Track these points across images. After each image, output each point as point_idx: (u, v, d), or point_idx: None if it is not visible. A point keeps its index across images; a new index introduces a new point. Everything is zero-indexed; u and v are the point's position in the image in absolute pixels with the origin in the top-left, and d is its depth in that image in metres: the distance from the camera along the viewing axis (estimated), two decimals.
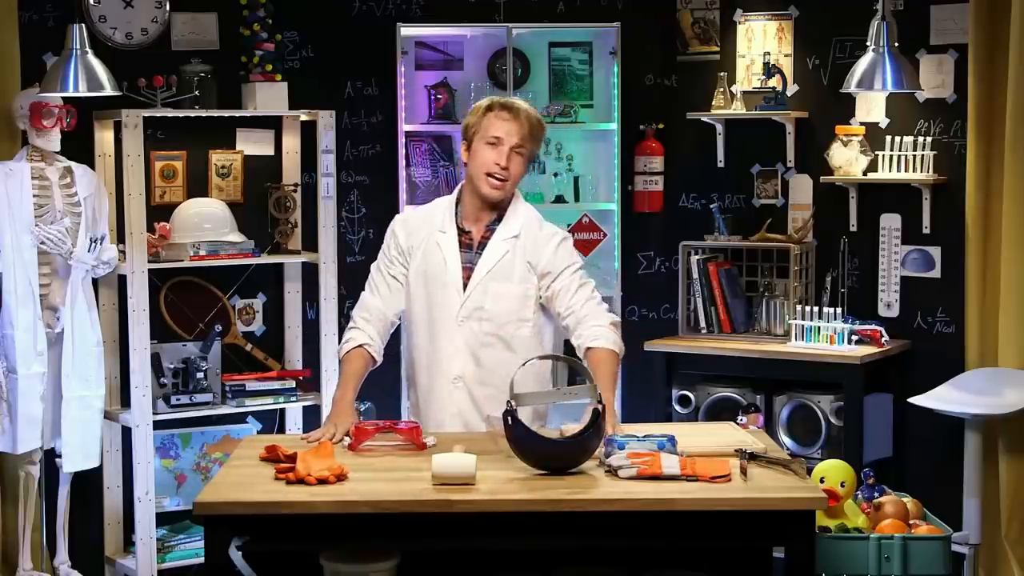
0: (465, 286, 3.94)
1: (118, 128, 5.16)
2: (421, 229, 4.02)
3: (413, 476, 3.40)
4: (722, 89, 5.95)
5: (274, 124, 5.65)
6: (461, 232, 3.99)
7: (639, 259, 6.12)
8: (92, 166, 5.19)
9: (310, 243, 5.55)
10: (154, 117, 5.24)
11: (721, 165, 6.07)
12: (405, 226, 4.05)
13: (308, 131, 5.56)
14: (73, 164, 5.05)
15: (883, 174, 5.64)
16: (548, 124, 5.80)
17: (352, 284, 5.58)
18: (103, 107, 5.17)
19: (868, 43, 4.85)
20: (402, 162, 5.80)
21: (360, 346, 3.94)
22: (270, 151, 5.67)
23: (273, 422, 5.65)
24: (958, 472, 5.24)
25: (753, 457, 3.50)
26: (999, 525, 5.31)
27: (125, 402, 5.27)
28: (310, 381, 5.56)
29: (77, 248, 4.97)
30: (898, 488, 4.62)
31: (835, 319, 5.51)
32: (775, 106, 5.80)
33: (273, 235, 5.60)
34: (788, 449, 5.49)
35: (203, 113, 5.31)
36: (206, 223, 5.36)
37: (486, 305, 3.93)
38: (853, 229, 5.78)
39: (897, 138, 5.60)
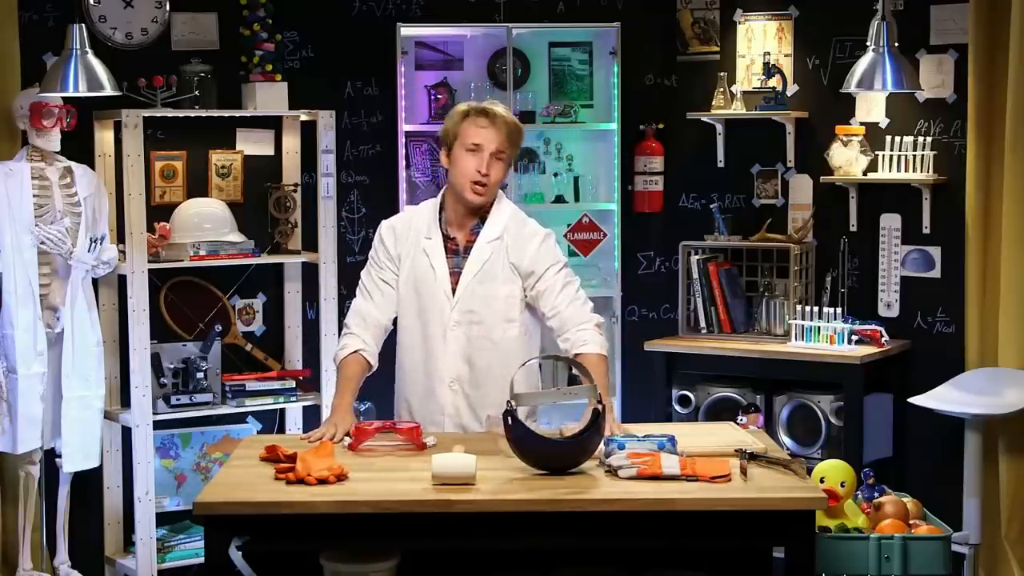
0: (454, 291, 3.95)
1: (118, 128, 5.16)
2: (408, 236, 4.03)
3: (413, 476, 3.40)
4: (722, 89, 5.95)
5: (274, 124, 5.65)
6: (447, 239, 4.00)
7: (639, 259, 6.12)
8: (92, 166, 5.19)
9: (310, 243, 5.55)
10: (154, 117, 5.24)
11: (721, 165, 6.07)
12: (392, 232, 4.06)
13: (308, 131, 5.56)
14: (73, 164, 5.05)
15: (883, 174, 5.64)
16: (548, 124, 5.89)
17: (352, 284, 5.54)
18: (103, 107, 5.17)
19: (868, 43, 4.85)
20: (402, 162, 5.80)
21: (356, 352, 3.95)
22: (270, 151, 5.67)
23: (273, 422, 5.65)
24: (958, 472, 5.24)
25: (753, 457, 3.50)
26: (999, 525, 5.31)
27: (125, 402, 5.27)
28: (310, 381, 5.56)
29: (77, 248, 4.97)
30: (898, 488, 4.62)
31: (835, 319, 5.51)
32: (775, 106, 5.80)
33: (273, 235, 5.60)
34: (788, 449, 5.49)
35: (203, 113, 5.31)
36: (206, 223, 5.36)
37: (475, 308, 3.95)
38: (853, 229, 5.78)
39: (897, 138, 5.59)
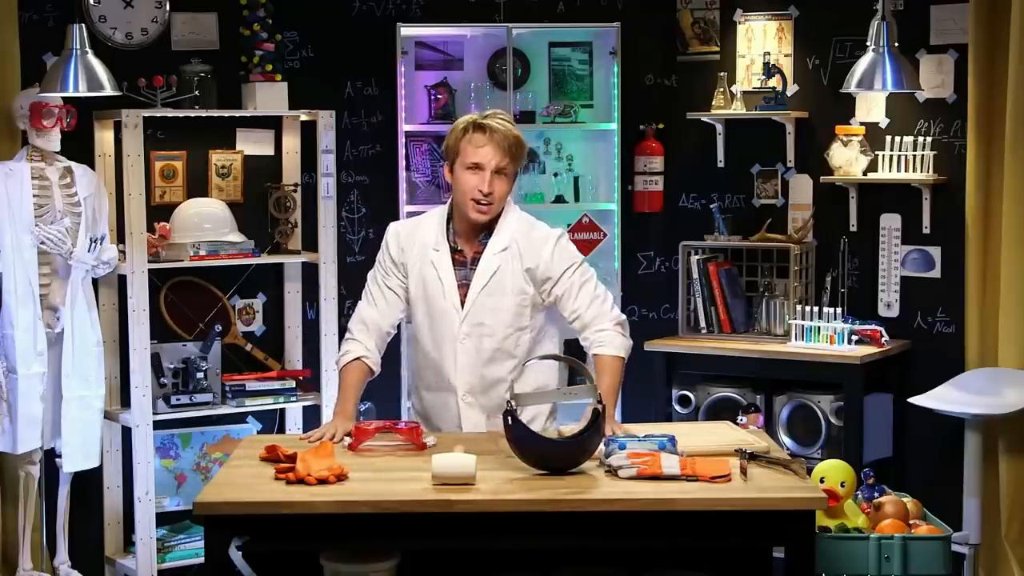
0: (463, 303, 3.94)
1: (118, 128, 5.16)
2: (414, 245, 4.00)
3: (413, 476, 3.40)
4: (722, 89, 5.95)
5: (274, 124, 5.65)
6: (454, 251, 3.98)
7: (639, 259, 6.12)
8: (92, 166, 5.19)
9: (310, 243, 5.55)
10: (154, 117, 5.24)
11: (721, 165, 6.07)
12: (398, 239, 4.03)
13: (308, 131, 5.56)
14: (73, 164, 5.05)
15: (883, 174, 5.64)
16: (548, 124, 5.89)
17: (352, 284, 5.58)
18: (103, 107, 5.17)
19: (868, 43, 4.86)
20: (402, 162, 5.80)
21: (358, 359, 3.95)
22: (270, 151, 5.67)
23: (273, 422, 5.66)
24: (958, 472, 5.24)
25: (753, 457, 3.50)
26: (999, 525, 5.31)
27: (125, 402, 5.27)
28: (310, 381, 5.56)
29: (77, 248, 4.97)
30: (898, 488, 4.62)
31: (835, 319, 5.51)
32: (775, 106, 5.80)
33: (273, 235, 5.60)
34: (788, 449, 5.49)
35: (203, 113, 5.31)
36: (206, 223, 5.36)
37: (486, 320, 3.93)
38: (853, 229, 5.78)
39: (897, 138, 5.59)
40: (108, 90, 4.68)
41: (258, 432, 5.54)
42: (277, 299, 5.72)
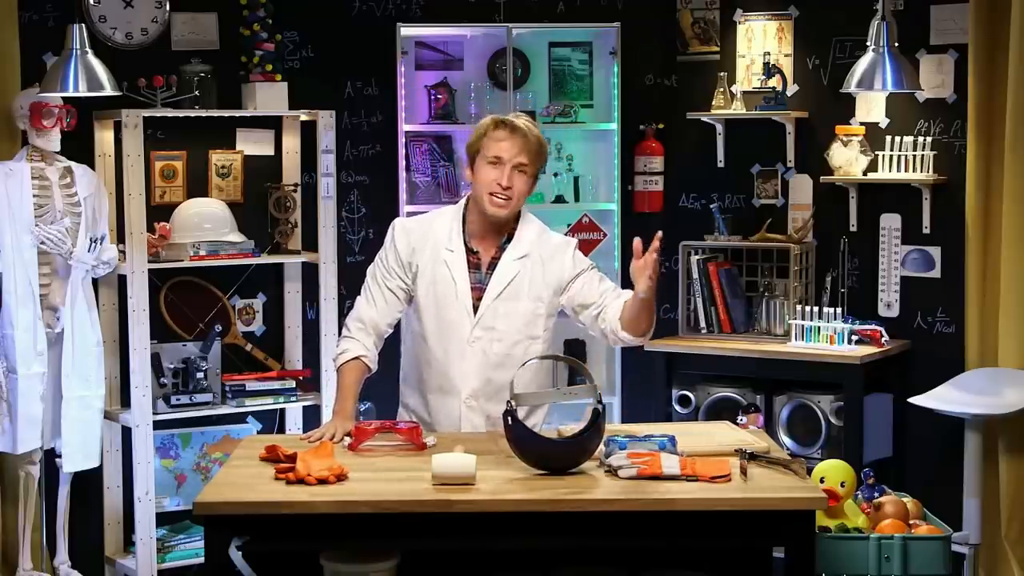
0: (475, 308, 3.92)
1: (118, 128, 5.16)
2: (426, 244, 3.97)
3: (413, 476, 3.40)
4: (722, 89, 5.95)
5: (274, 124, 5.65)
6: (469, 252, 3.95)
7: None
8: (92, 166, 5.19)
9: (310, 243, 5.55)
10: (154, 117, 5.24)
11: (721, 165, 6.07)
12: (407, 237, 3.99)
13: (308, 131, 5.56)
14: (73, 164, 5.05)
15: (883, 174, 5.64)
16: (548, 124, 5.89)
17: (352, 284, 5.56)
18: (103, 107, 5.17)
19: (868, 43, 4.86)
20: (402, 162, 5.80)
21: (356, 358, 3.93)
22: (270, 151, 5.67)
23: (273, 422, 5.66)
24: (958, 472, 5.24)
25: (753, 457, 3.50)
26: (999, 525, 5.31)
27: (125, 402, 5.27)
28: (310, 381, 5.56)
29: (77, 248, 4.98)
30: (898, 488, 4.62)
31: (835, 319, 5.51)
32: (775, 106, 5.80)
33: (273, 235, 5.60)
34: (788, 449, 5.49)
35: (203, 113, 5.31)
36: (206, 223, 5.36)
37: (497, 326, 3.91)
38: (853, 229, 5.78)
39: (897, 138, 5.60)
40: (108, 90, 4.68)
41: (258, 432, 5.54)
42: (277, 299, 5.72)
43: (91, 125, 5.23)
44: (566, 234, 5.87)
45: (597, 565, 3.55)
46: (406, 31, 5.83)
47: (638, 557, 3.57)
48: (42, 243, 4.92)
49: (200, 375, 5.33)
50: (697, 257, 5.84)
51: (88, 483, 5.27)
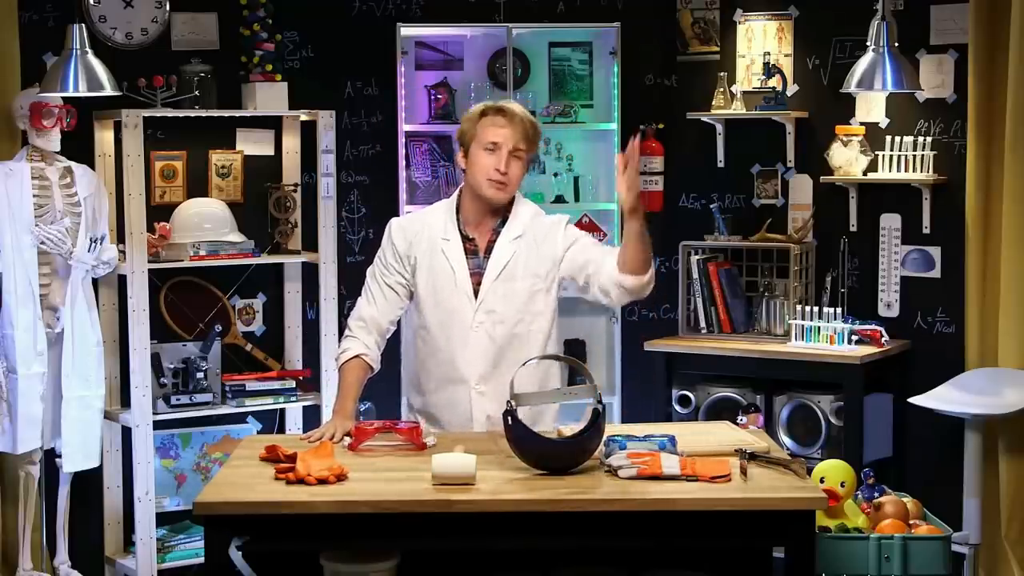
0: (475, 292, 3.93)
1: (118, 128, 5.16)
2: (422, 237, 3.99)
3: (413, 476, 3.40)
4: (722, 89, 5.95)
5: (274, 124, 5.65)
6: (465, 239, 3.97)
7: None
8: (92, 166, 5.19)
9: (310, 243, 5.55)
10: (154, 117, 5.24)
11: (721, 165, 6.07)
12: (403, 233, 4.02)
13: (308, 131, 5.56)
14: (73, 164, 5.05)
15: (883, 174, 5.64)
16: (548, 124, 5.89)
17: (352, 284, 5.57)
18: (103, 107, 5.17)
19: (868, 43, 4.86)
20: (402, 162, 5.80)
21: (357, 356, 3.94)
22: (270, 151, 5.67)
23: (273, 422, 5.66)
24: (958, 472, 5.24)
25: (753, 457, 3.50)
26: (999, 525, 5.31)
27: (125, 402, 5.28)
28: (310, 381, 5.56)
29: (77, 248, 4.98)
30: (898, 488, 4.62)
31: (835, 319, 5.51)
32: (775, 106, 5.80)
33: (273, 235, 5.60)
34: (788, 449, 5.49)
35: (203, 113, 5.32)
36: (206, 223, 5.36)
37: (498, 308, 3.92)
38: (853, 229, 5.78)
39: (897, 138, 5.60)
40: (108, 90, 4.68)
41: (258, 432, 5.54)
42: (277, 299, 5.72)
43: (91, 125, 5.23)
44: None
45: (597, 565, 3.55)
46: (406, 31, 5.83)
47: (638, 557, 3.57)
48: (42, 243, 4.92)
49: (200, 375, 5.33)
50: (697, 257, 5.85)
51: (88, 483, 5.27)
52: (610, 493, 3.28)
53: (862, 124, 5.69)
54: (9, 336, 4.90)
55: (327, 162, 5.47)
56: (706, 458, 3.46)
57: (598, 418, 3.45)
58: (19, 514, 5.05)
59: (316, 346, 5.53)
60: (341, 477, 3.37)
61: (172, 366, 5.33)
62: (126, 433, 5.25)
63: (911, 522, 4.12)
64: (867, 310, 5.72)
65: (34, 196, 4.92)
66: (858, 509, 4.17)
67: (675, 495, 3.26)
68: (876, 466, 5.17)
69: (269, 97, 5.43)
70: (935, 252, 5.62)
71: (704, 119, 5.99)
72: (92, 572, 5.33)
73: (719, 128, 6.03)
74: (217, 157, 5.57)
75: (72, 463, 5.08)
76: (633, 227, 3.81)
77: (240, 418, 5.58)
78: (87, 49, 4.64)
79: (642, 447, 3.47)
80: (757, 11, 5.96)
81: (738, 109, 5.91)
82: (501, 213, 3.98)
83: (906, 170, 5.58)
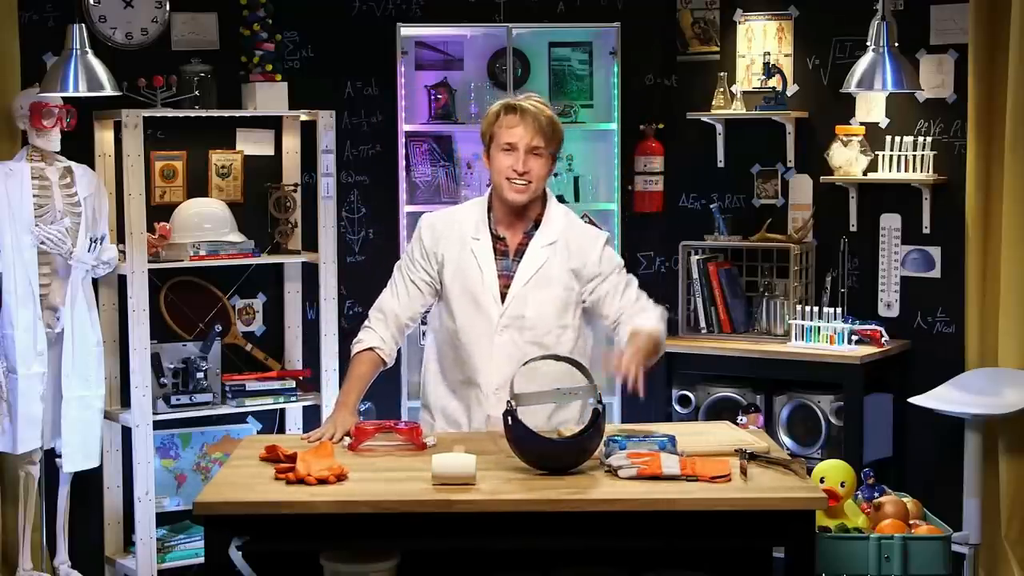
0: (503, 295, 3.88)
1: (118, 128, 5.16)
2: (451, 234, 3.94)
3: (413, 476, 3.40)
4: (722, 89, 5.95)
5: (274, 124, 5.65)
6: (496, 239, 3.92)
7: (639, 259, 6.12)
8: (92, 166, 5.19)
9: (310, 243, 5.55)
10: (154, 117, 5.24)
11: (721, 165, 6.07)
12: (432, 230, 3.96)
13: (308, 131, 5.56)
14: (73, 164, 5.05)
15: (883, 174, 5.64)
16: None
17: (352, 284, 5.59)
18: (103, 107, 5.17)
19: (868, 43, 4.86)
20: (402, 162, 5.80)
21: (371, 349, 3.90)
22: (270, 151, 5.67)
23: (273, 422, 5.66)
24: (958, 472, 5.24)
25: (753, 457, 3.50)
26: (999, 525, 5.31)
27: (125, 402, 5.28)
28: (310, 381, 5.56)
29: (77, 248, 4.98)
30: (898, 488, 4.62)
31: (835, 319, 5.51)
32: (775, 106, 5.80)
33: (273, 235, 5.60)
34: (788, 449, 5.49)
35: (203, 113, 5.32)
36: (206, 223, 5.36)
37: (526, 314, 3.87)
38: (853, 229, 5.78)
39: (897, 138, 5.60)
40: (108, 90, 4.68)
41: (258, 432, 5.54)
42: (277, 299, 5.72)
43: (91, 125, 5.23)
44: None
45: (597, 565, 3.55)
46: (406, 31, 5.83)
47: (638, 557, 3.57)
48: (42, 243, 4.92)
49: (200, 375, 5.33)
50: (697, 257, 5.85)
51: (88, 483, 5.27)
52: (610, 493, 3.27)
53: (862, 124, 5.69)
54: (9, 336, 4.90)
55: (327, 162, 5.47)
56: (706, 458, 3.46)
57: (598, 418, 3.45)
58: (19, 514, 5.05)
59: (316, 346, 5.53)
60: (341, 477, 3.37)
61: (172, 366, 5.33)
62: (126, 433, 5.25)
63: (911, 522, 4.12)
64: (867, 310, 5.72)
65: (34, 196, 4.92)
66: (858, 509, 4.17)
67: (675, 495, 3.25)
68: (876, 466, 5.17)
69: (269, 97, 5.43)
70: (935, 252, 5.63)
71: (704, 119, 5.99)
72: (92, 572, 5.33)
73: (719, 128, 6.03)
74: (217, 157, 5.57)
75: (72, 463, 5.08)
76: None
77: (240, 418, 5.58)
78: (87, 49, 4.64)
79: (642, 447, 3.47)
80: (757, 11, 5.96)
81: (738, 109, 5.91)
82: (532, 215, 3.93)
83: (906, 170, 5.58)
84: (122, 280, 5.22)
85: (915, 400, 5.24)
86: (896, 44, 4.85)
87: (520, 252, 3.91)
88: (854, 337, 5.49)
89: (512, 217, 3.92)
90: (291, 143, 5.64)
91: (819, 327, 5.50)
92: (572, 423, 3.85)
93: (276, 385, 5.48)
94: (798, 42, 5.88)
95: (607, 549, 3.55)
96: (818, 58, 5.83)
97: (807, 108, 5.86)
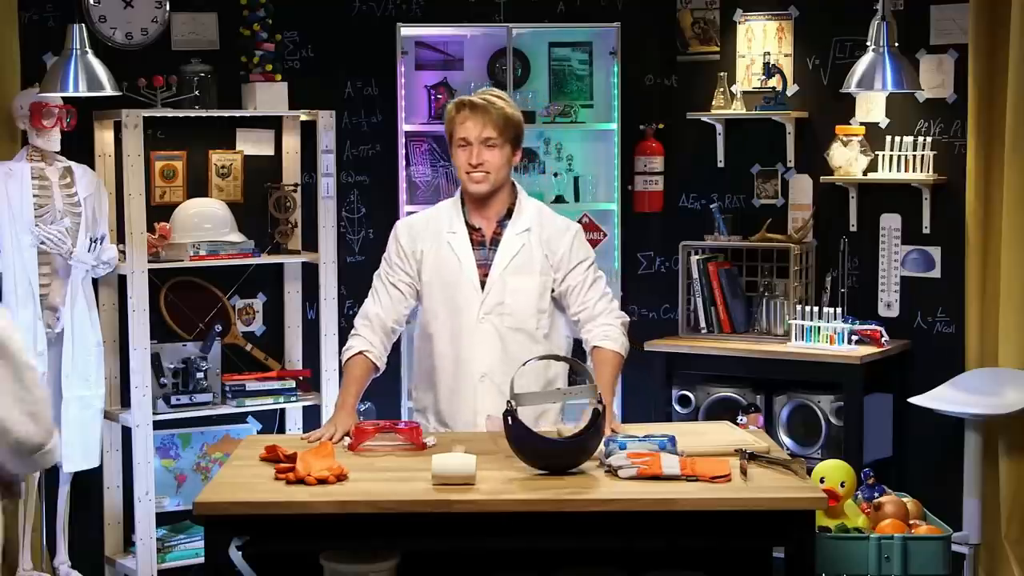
0: (482, 284, 3.96)
1: (118, 128, 5.16)
2: (427, 232, 4.03)
3: (413, 476, 3.40)
4: (722, 89, 5.95)
5: (274, 124, 5.65)
6: (472, 229, 4.00)
7: (639, 259, 6.12)
8: (92, 166, 5.19)
9: (310, 243, 5.55)
10: (154, 117, 5.24)
11: (721, 165, 6.07)
12: (408, 231, 4.05)
13: (308, 131, 5.56)
14: (73, 164, 5.05)
15: (883, 174, 5.64)
16: (548, 124, 5.89)
17: (352, 284, 5.58)
18: (103, 107, 5.17)
19: (868, 43, 4.86)
20: (402, 162, 5.80)
21: (360, 353, 3.95)
22: (270, 151, 5.67)
23: (273, 422, 5.66)
24: (958, 472, 5.24)
25: (753, 457, 3.50)
26: (999, 525, 5.31)
27: (125, 402, 5.28)
28: (310, 381, 5.56)
29: (77, 248, 4.98)
30: (898, 488, 4.61)
31: (835, 319, 5.51)
32: (775, 106, 5.80)
33: (273, 235, 5.60)
34: (788, 449, 5.49)
35: (203, 113, 5.32)
36: (206, 223, 5.36)
37: (506, 300, 3.96)
38: (853, 229, 5.78)
39: (897, 138, 5.59)
40: (108, 90, 4.68)
41: (258, 432, 5.54)
42: (277, 299, 5.72)
43: (91, 125, 5.23)
44: None
45: (597, 565, 3.55)
46: (406, 31, 5.83)
47: (638, 557, 3.57)
48: (42, 243, 4.92)
49: (200, 375, 5.33)
50: (697, 257, 5.84)
51: (88, 483, 5.27)
52: (610, 493, 3.28)
53: (862, 124, 5.69)
54: None
55: (327, 162, 5.47)
56: (706, 458, 3.46)
57: (598, 418, 3.45)
58: (19, 514, 5.05)
59: (316, 346, 5.53)
60: (341, 477, 3.37)
61: (172, 366, 5.33)
62: (126, 433, 5.25)
63: (911, 522, 4.11)
64: (867, 310, 5.72)
65: (34, 196, 4.92)
66: (858, 509, 4.17)
67: (675, 495, 3.26)
68: (876, 466, 5.16)
69: (269, 97, 5.43)
70: (935, 252, 5.62)
71: (704, 119, 5.99)
72: (92, 572, 5.33)
73: (719, 128, 6.03)
74: (217, 157, 5.57)
75: (72, 463, 5.08)
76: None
77: (240, 418, 5.58)
78: (87, 49, 4.64)
79: (642, 447, 3.47)
80: (757, 11, 5.96)
81: (738, 109, 5.91)
82: (505, 207, 4.01)
83: (906, 170, 5.58)
84: (122, 280, 5.21)
85: (915, 400, 5.24)
86: (896, 44, 4.85)
87: (496, 241, 4.00)
88: (854, 337, 5.49)
89: (483, 208, 4.01)
90: (291, 143, 5.64)
91: (819, 327, 5.50)
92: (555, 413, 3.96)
93: (276, 385, 5.48)
94: (798, 42, 5.88)
95: (607, 549, 3.55)
96: (818, 58, 5.82)
97: (807, 108, 5.86)
